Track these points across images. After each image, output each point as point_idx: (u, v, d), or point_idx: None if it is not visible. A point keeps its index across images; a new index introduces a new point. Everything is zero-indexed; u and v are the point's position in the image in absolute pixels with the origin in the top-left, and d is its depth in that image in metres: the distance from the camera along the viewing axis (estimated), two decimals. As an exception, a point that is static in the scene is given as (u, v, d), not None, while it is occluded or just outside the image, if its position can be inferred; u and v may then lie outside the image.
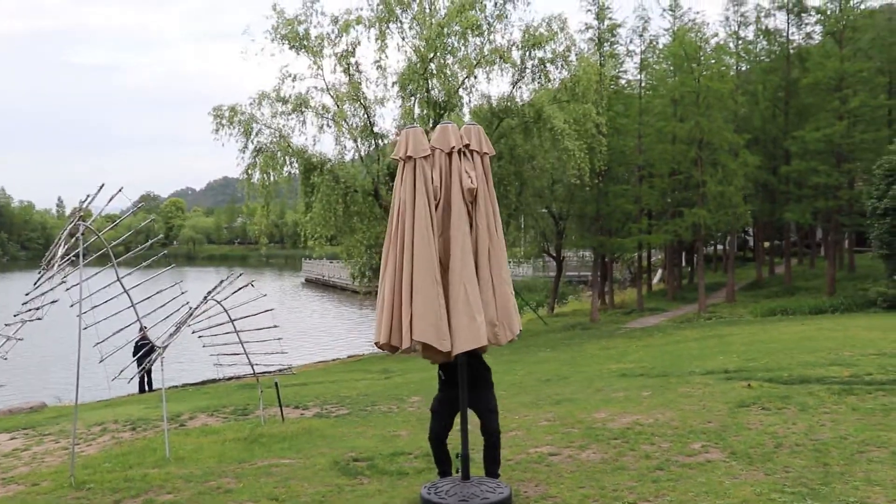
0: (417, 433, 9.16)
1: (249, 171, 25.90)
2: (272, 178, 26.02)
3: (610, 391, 11.14)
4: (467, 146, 5.89)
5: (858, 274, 35.09)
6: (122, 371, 9.19)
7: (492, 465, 6.28)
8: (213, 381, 22.79)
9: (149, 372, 19.98)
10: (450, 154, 5.85)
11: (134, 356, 16.88)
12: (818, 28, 35.38)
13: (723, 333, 20.48)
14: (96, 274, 8.23)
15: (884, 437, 7.36)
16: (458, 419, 6.18)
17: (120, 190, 8.34)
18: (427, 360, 6.04)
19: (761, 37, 37.25)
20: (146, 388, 21.60)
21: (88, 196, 7.98)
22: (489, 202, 5.90)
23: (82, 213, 8.20)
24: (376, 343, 5.82)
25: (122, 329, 8.95)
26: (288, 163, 26.24)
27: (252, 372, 11.19)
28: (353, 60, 26.13)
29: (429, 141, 5.92)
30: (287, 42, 25.51)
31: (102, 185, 8.01)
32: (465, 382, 5.97)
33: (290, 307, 49.30)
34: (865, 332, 16.83)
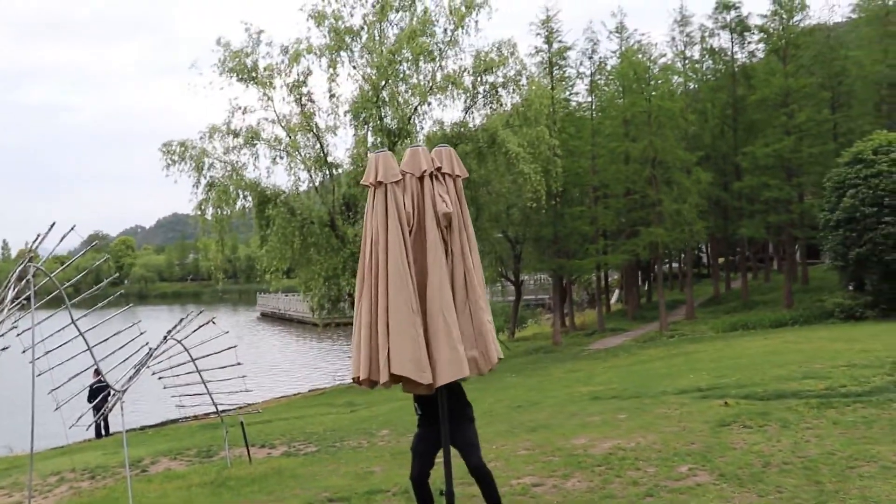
0: (392, 469, 8.85)
1: (203, 207, 25.38)
2: (226, 213, 25.54)
3: (585, 415, 10.93)
4: (439, 169, 5.65)
5: (812, 286, 35.52)
6: (80, 417, 8.74)
7: (494, 500, 5.94)
8: (173, 421, 22.17)
9: (105, 416, 19.33)
10: (421, 178, 5.60)
11: (90, 401, 16.35)
12: (761, 46, 36.12)
13: (688, 351, 20.46)
14: (49, 317, 7.82)
15: (871, 451, 7.23)
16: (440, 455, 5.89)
17: (72, 228, 7.96)
18: (408, 392, 5.75)
19: (707, 56, 37.86)
20: (103, 432, 20.88)
21: (39, 235, 7.58)
22: (464, 226, 5.67)
23: (32, 255, 7.79)
24: (355, 379, 5.49)
25: (78, 374, 8.54)
26: (241, 196, 25.79)
27: (216, 411, 10.78)
28: (304, 90, 25.90)
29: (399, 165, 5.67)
30: (235, 74, 25.19)
31: (54, 223, 7.63)
32: (446, 416, 5.68)
33: (248, 342, 48.45)
34: (830, 343, 16.88)
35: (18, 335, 7.58)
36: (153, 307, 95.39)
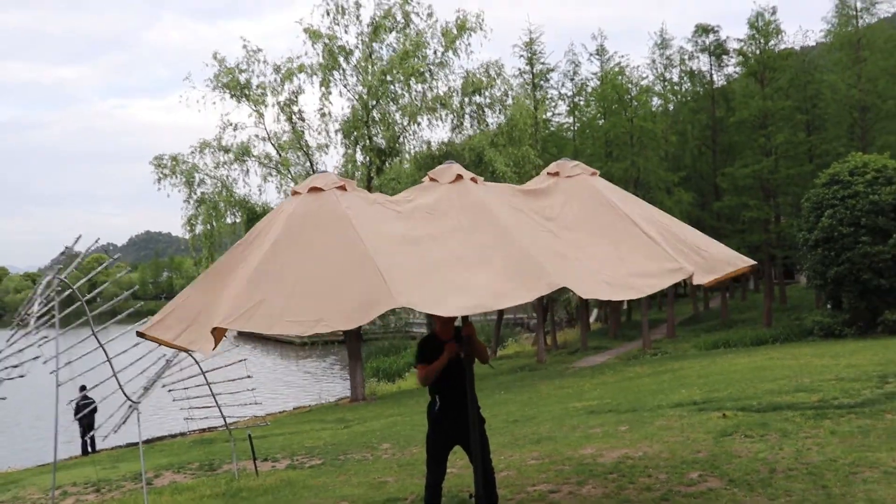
0: (405, 478, 9.04)
1: (192, 222, 25.48)
2: (214, 229, 25.62)
3: (586, 428, 11.18)
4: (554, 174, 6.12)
5: (790, 305, 36.14)
6: (98, 427, 8.88)
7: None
8: (160, 438, 22.14)
9: (90, 431, 19.34)
10: (454, 182, 5.74)
11: (76, 416, 16.39)
12: (738, 69, 36.90)
13: (674, 368, 20.79)
14: (64, 332, 7.98)
15: (871, 457, 7.53)
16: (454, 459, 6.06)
17: (97, 241, 8.17)
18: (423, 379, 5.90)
19: (686, 78, 38.62)
20: (89, 449, 20.86)
21: (66, 248, 7.75)
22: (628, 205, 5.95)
23: (59, 267, 7.97)
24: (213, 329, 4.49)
25: (97, 385, 8.71)
26: (231, 213, 25.90)
27: (224, 424, 10.94)
28: (295, 108, 26.12)
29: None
30: (228, 91, 25.33)
31: (80, 235, 7.82)
32: (475, 419, 5.77)
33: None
34: (815, 359, 17.27)
35: (39, 346, 7.75)
36: (129, 325, 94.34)
